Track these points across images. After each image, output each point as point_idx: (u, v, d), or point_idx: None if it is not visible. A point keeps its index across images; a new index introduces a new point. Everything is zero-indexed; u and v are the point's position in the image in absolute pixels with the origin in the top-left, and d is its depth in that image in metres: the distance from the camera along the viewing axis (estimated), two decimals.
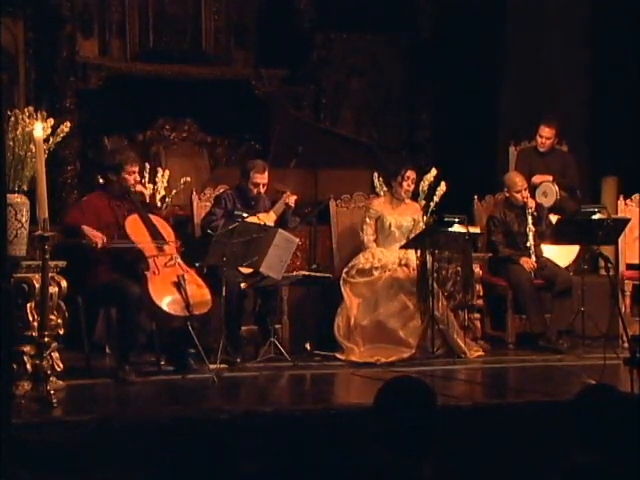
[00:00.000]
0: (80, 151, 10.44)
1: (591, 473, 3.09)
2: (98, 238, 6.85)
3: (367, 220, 8.17)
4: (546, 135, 9.39)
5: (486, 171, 10.39)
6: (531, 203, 8.59)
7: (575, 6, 10.87)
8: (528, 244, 8.53)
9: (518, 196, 8.59)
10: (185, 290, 6.91)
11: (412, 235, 8.10)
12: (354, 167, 9.31)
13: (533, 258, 8.50)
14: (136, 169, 7.25)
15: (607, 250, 8.74)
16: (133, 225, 7.09)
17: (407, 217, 8.21)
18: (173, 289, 6.93)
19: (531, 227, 8.54)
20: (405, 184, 8.13)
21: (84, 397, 6.52)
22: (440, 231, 7.86)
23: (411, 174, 8.15)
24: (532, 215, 8.55)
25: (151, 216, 7.22)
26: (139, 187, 7.37)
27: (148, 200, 7.47)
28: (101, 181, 8.03)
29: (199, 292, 7.02)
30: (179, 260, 7.12)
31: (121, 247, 6.94)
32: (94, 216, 7.06)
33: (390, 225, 8.14)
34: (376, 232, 8.17)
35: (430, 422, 3.42)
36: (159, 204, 8.44)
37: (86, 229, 6.90)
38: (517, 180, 8.67)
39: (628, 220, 8.52)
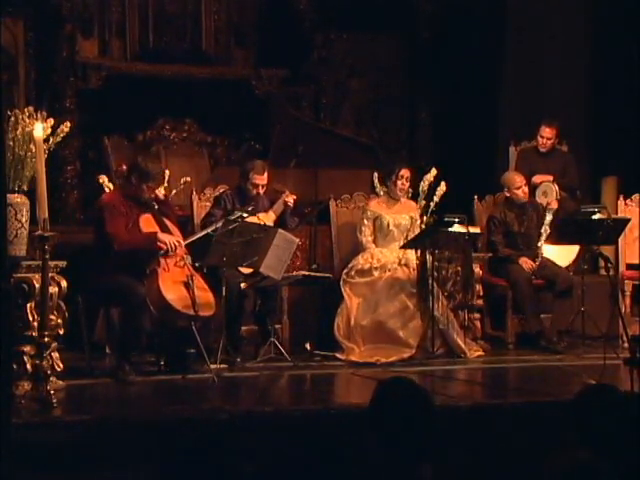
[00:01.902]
0: (80, 151, 10.44)
1: (590, 473, 3.10)
2: (174, 244, 7.01)
3: (365, 221, 8.17)
4: (547, 136, 9.41)
5: (486, 171, 10.39)
6: (554, 204, 8.61)
7: (575, 6, 10.87)
8: (539, 244, 8.54)
9: (519, 192, 8.59)
10: (193, 290, 6.94)
11: (410, 233, 8.11)
12: (354, 167, 9.30)
13: (539, 258, 8.50)
14: (157, 188, 7.30)
15: (607, 250, 8.74)
16: (147, 223, 7.16)
17: (404, 215, 8.22)
18: (182, 287, 6.98)
19: (547, 228, 8.53)
20: (400, 183, 8.14)
21: (84, 397, 6.52)
22: (440, 231, 7.86)
23: (405, 172, 8.16)
24: (551, 215, 8.56)
25: (164, 219, 7.28)
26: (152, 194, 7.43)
27: (163, 197, 7.48)
28: (101, 181, 8.06)
29: (204, 295, 7.06)
30: (188, 262, 7.16)
31: (196, 238, 7.22)
32: (120, 214, 7.11)
33: (389, 224, 8.15)
34: (375, 232, 8.17)
35: (426, 423, 3.42)
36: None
37: (163, 236, 7.03)
38: (516, 177, 8.69)
39: (628, 220, 8.52)
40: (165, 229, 7.20)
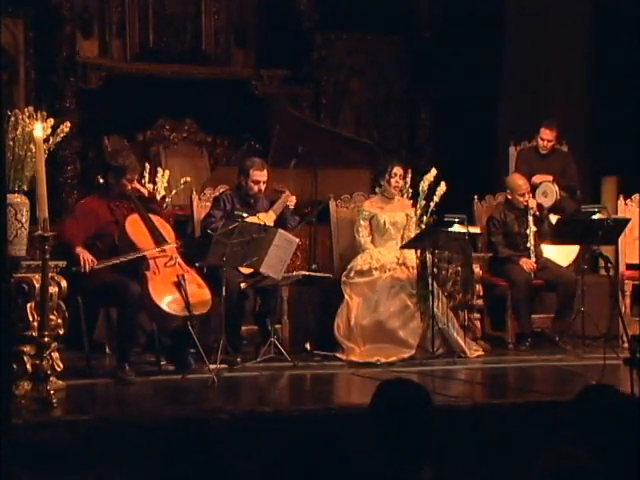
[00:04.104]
0: (80, 151, 10.44)
1: (582, 471, 3.10)
2: (88, 262, 6.81)
3: (361, 222, 8.16)
4: (547, 138, 9.41)
5: (486, 171, 10.39)
6: (532, 203, 8.60)
7: (575, 6, 10.87)
8: (528, 244, 8.54)
9: (521, 199, 8.59)
10: (185, 290, 6.90)
11: (407, 231, 8.12)
12: (354, 167, 9.31)
13: (533, 258, 8.51)
14: (136, 177, 7.27)
15: (607, 250, 8.74)
16: (133, 225, 7.09)
17: (399, 213, 8.21)
18: (173, 289, 6.93)
19: (532, 227, 8.54)
20: (393, 180, 8.13)
21: (84, 397, 6.52)
22: (440, 231, 7.85)
23: (398, 170, 8.15)
24: (533, 215, 8.57)
25: (151, 216, 7.22)
26: (134, 184, 7.34)
27: (147, 194, 7.43)
28: (101, 181, 8.05)
29: (199, 292, 7.01)
30: (179, 260, 7.12)
31: (112, 264, 6.89)
32: (90, 220, 7.05)
33: (384, 223, 8.14)
34: (371, 232, 8.17)
35: (426, 423, 3.42)
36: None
37: (80, 251, 6.86)
38: (521, 183, 8.67)
39: (628, 220, 8.52)
40: (153, 229, 7.13)
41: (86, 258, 6.84)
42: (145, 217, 7.15)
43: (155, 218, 7.23)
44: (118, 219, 7.11)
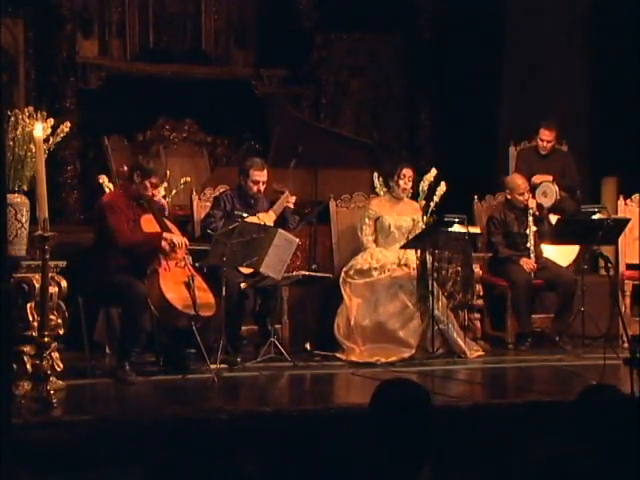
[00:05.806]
0: (80, 151, 10.46)
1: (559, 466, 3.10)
2: (181, 241, 7.05)
3: (366, 221, 8.16)
4: (546, 138, 9.40)
5: (486, 171, 10.39)
6: (532, 203, 8.60)
7: (575, 6, 10.87)
8: (528, 244, 8.54)
9: (521, 198, 8.59)
10: (194, 290, 6.95)
11: (412, 235, 8.10)
12: (354, 167, 9.30)
13: (532, 258, 8.51)
14: (159, 184, 7.26)
15: (607, 250, 8.74)
16: (148, 223, 7.17)
17: (406, 217, 8.20)
18: (183, 288, 6.98)
19: (532, 227, 8.54)
20: (402, 182, 8.13)
21: (84, 397, 6.53)
22: (440, 231, 7.85)
23: (407, 172, 8.14)
24: (533, 215, 8.57)
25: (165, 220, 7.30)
26: (162, 200, 7.41)
27: (167, 213, 7.46)
28: (101, 181, 8.07)
29: (205, 295, 7.07)
30: (189, 262, 7.17)
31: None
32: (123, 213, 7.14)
33: (390, 226, 8.14)
34: (375, 232, 8.16)
35: (426, 423, 3.42)
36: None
37: (169, 235, 7.06)
38: (520, 182, 8.67)
39: (628, 220, 8.52)
40: (167, 229, 7.21)
41: (179, 239, 7.06)
42: (159, 219, 7.22)
43: (167, 222, 7.29)
44: (135, 217, 7.16)
